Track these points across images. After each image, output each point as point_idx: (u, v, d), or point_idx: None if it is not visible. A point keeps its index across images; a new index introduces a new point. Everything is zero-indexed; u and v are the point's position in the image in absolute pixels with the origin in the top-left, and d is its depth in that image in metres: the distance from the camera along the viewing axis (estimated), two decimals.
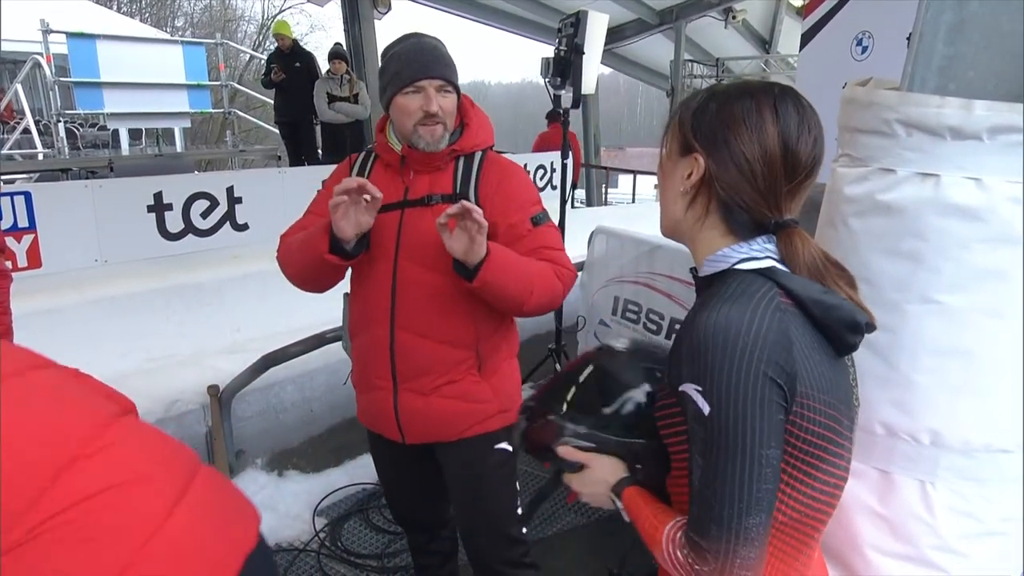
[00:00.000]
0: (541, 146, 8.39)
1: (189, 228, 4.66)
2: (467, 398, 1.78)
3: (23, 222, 4.07)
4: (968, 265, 1.07)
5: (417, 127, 1.66)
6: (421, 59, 1.66)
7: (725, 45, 12.35)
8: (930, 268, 1.08)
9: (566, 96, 3.42)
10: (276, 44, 7.54)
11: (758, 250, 0.92)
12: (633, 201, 11.97)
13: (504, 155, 1.89)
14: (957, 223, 1.07)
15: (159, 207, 4.47)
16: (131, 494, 0.97)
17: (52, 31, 8.38)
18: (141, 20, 18.94)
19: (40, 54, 8.27)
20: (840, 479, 0.93)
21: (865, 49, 3.94)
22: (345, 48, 7.65)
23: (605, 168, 12.11)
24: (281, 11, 22.80)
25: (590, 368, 1.17)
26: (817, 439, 0.88)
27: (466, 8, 9.41)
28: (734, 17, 10.40)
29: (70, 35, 8.45)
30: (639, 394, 1.10)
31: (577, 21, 3.34)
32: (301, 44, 7.45)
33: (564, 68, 3.38)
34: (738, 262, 0.92)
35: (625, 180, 14.51)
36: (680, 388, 0.88)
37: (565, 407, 1.14)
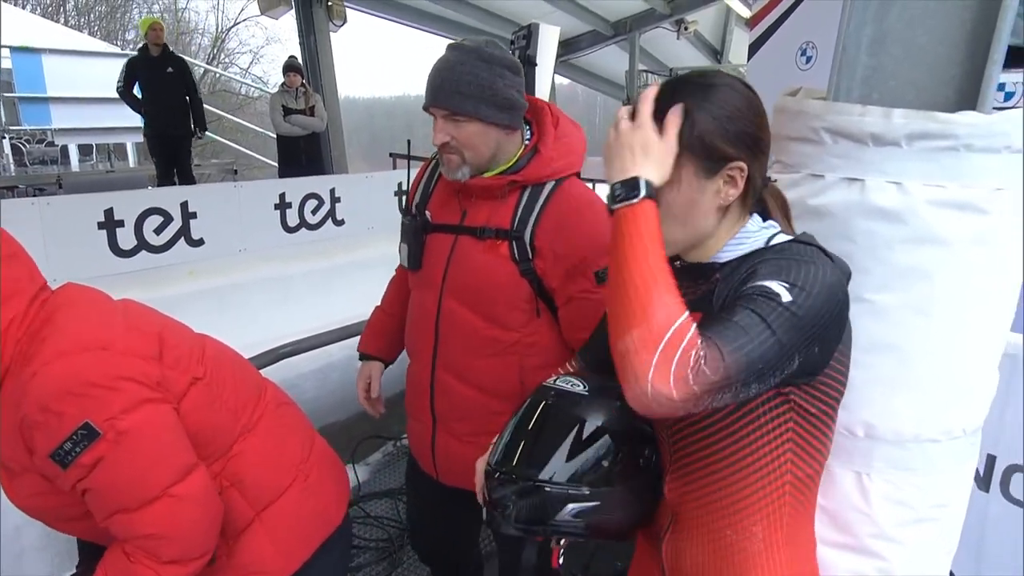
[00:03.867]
0: None
1: (142, 244, 4.58)
2: None
3: None
4: (894, 265, 1.13)
5: (440, 154, 1.55)
6: (432, 83, 1.50)
7: (678, 55, 12.59)
8: (859, 269, 1.13)
9: None
10: (143, 46, 6.67)
11: (765, 225, 1.05)
12: None
13: (591, 185, 1.66)
14: (882, 225, 1.12)
15: (110, 224, 4.38)
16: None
17: None
18: (90, 34, 18.55)
19: None
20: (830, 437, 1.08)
21: (809, 59, 4.07)
22: (300, 60, 7.60)
23: None
24: (235, 24, 22.57)
25: (544, 412, 1.11)
26: (841, 387, 1.02)
27: (421, 20, 9.43)
28: (686, 28, 10.62)
29: (14, 49, 8.27)
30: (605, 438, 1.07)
31: (529, 34, 3.41)
32: (172, 48, 6.81)
33: None
34: (772, 237, 1.02)
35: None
36: (752, 285, 0.91)
37: (550, 469, 1.05)
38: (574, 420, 1.08)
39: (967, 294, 1.12)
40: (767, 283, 0.89)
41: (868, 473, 1.20)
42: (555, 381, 1.16)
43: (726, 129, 0.96)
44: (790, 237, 1.02)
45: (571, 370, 1.30)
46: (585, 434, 1.06)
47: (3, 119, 8.01)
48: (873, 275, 1.14)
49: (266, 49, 23.89)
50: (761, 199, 1.08)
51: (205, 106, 8.31)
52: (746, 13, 9.54)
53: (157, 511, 1.13)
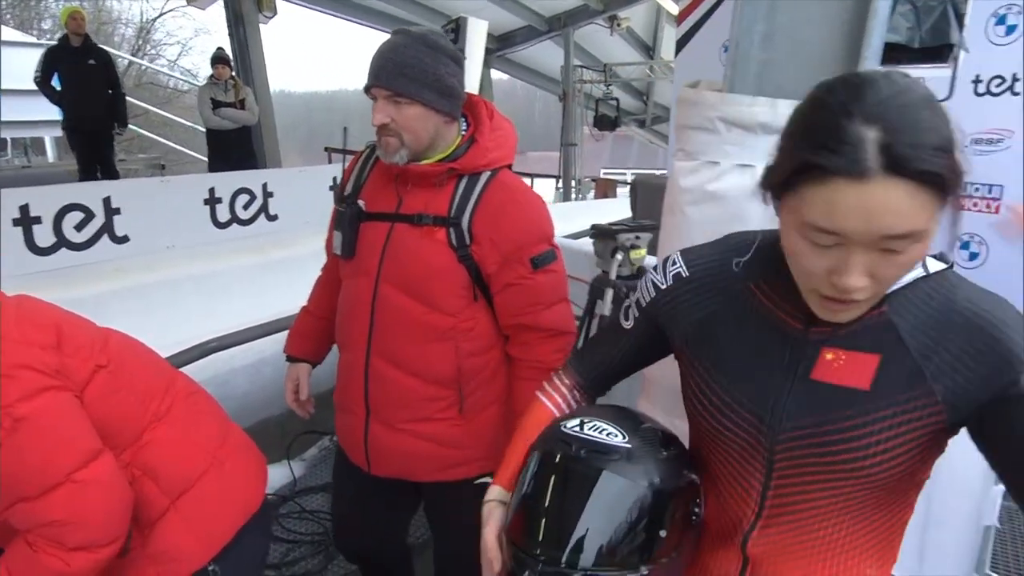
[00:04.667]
0: None
1: (62, 242, 4.43)
2: (441, 440, 1.64)
3: None
4: None
5: (378, 137, 1.55)
6: (376, 64, 1.50)
7: (612, 51, 12.82)
8: None
9: None
10: (62, 37, 6.38)
11: None
12: None
13: (524, 177, 1.70)
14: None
15: (26, 220, 4.22)
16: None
17: None
18: (2, 23, 17.68)
19: None
20: None
21: None
22: (229, 52, 7.44)
23: None
24: (162, 14, 21.82)
25: (579, 478, 0.90)
26: None
27: (353, 12, 9.34)
28: (619, 24, 10.81)
29: None
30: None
31: (457, 27, 3.44)
32: (93, 39, 6.51)
33: None
34: (925, 264, 0.85)
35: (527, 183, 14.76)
36: (1015, 390, 0.78)
37: (597, 551, 0.87)
38: (628, 491, 0.89)
39: None
40: None
41: None
42: (577, 427, 0.95)
43: (953, 152, 0.72)
44: (941, 263, 0.87)
45: (564, 387, 1.13)
46: (640, 504, 0.89)
47: None
48: None
49: (195, 41, 23.16)
50: None
51: (131, 100, 8.06)
52: (675, 10, 9.80)
53: (60, 497, 1.12)
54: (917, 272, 0.85)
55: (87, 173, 6.59)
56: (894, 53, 1.67)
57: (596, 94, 13.61)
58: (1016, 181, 3.66)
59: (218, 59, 6.74)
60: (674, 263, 1.01)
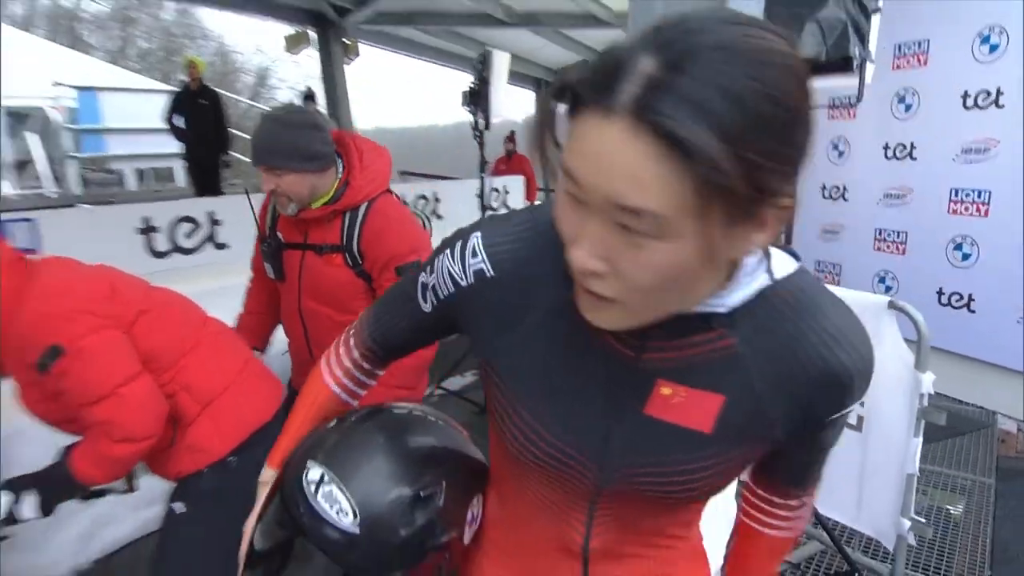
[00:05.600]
0: (496, 171, 8.74)
1: (175, 248, 4.91)
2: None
3: (28, 245, 4.26)
4: None
5: (275, 197, 1.78)
6: (253, 147, 1.74)
7: None
8: None
9: (479, 121, 3.77)
10: (184, 83, 7.00)
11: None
12: None
13: (399, 201, 1.90)
14: None
15: (147, 230, 4.72)
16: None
17: (62, 85, 8.63)
18: (150, 76, 19.18)
19: (50, 106, 8.47)
20: None
21: None
22: (323, 89, 7.92)
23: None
24: (275, 62, 23.17)
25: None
26: None
27: (426, 53, 9.74)
28: None
29: (78, 88, 8.70)
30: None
31: (484, 59, 3.66)
32: (213, 86, 7.16)
33: (477, 98, 3.71)
34: (769, 269, 0.64)
35: None
36: (833, 417, 0.69)
37: None
38: None
39: None
40: (845, 412, 0.70)
41: None
42: (315, 484, 0.76)
43: (780, 146, 0.49)
44: (789, 261, 0.67)
45: (350, 360, 0.93)
46: None
47: (68, 148, 8.40)
48: None
49: (301, 84, 24.45)
50: None
51: (247, 135, 8.63)
52: None
53: (107, 405, 1.40)
54: (762, 280, 0.63)
55: (201, 193, 7.14)
56: None
57: None
58: (1003, 186, 3.59)
59: (306, 96, 7.26)
60: (475, 254, 0.71)
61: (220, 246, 5.14)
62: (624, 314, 0.58)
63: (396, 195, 1.92)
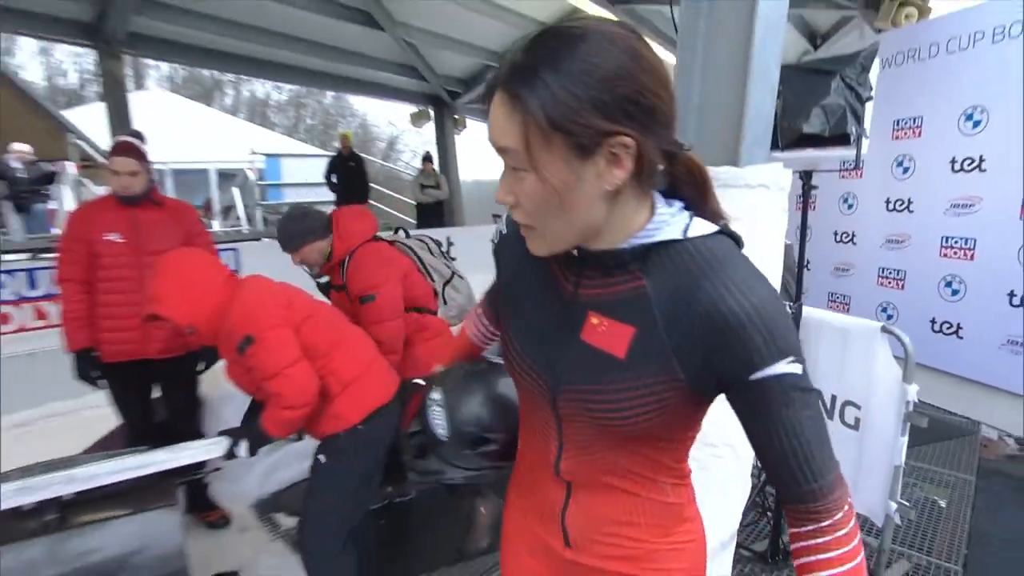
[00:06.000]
0: None
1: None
2: None
3: (233, 267, 4.56)
4: None
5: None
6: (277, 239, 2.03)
7: None
8: None
9: None
10: (338, 149, 7.23)
11: (678, 211, 0.64)
12: None
13: (377, 244, 2.09)
14: None
15: None
16: None
17: (256, 153, 9.36)
18: (314, 144, 20.50)
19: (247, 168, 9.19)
20: None
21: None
22: (437, 152, 8.18)
23: None
24: (402, 132, 24.23)
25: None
26: None
27: None
28: None
29: (266, 155, 9.42)
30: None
31: None
32: (357, 150, 7.38)
33: None
34: (688, 225, 0.62)
35: None
36: (754, 376, 0.58)
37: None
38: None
39: None
40: (780, 370, 0.58)
41: None
42: (434, 399, 0.83)
43: (597, 95, 0.54)
44: (710, 227, 0.63)
45: (475, 313, 0.97)
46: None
47: (257, 198, 9.12)
48: None
49: (421, 149, 25.36)
50: (672, 174, 0.64)
51: (381, 187, 9.08)
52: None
53: (276, 381, 1.50)
54: (672, 233, 0.61)
55: None
56: (810, 140, 1.79)
57: None
58: (986, 235, 3.42)
59: (425, 158, 7.57)
60: (503, 217, 0.76)
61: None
62: (542, 240, 0.62)
63: (386, 240, 2.17)
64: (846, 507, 0.63)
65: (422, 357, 2.14)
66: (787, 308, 0.57)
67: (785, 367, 0.58)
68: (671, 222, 0.62)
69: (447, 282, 2.50)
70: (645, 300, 0.62)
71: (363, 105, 25.35)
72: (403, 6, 5.49)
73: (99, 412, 2.60)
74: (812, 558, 0.62)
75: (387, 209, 11.25)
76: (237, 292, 1.57)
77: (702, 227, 0.62)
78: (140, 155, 2.20)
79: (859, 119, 1.75)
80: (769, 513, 2.28)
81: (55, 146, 7.86)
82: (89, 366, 2.18)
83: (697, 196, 0.65)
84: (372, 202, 9.09)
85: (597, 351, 0.65)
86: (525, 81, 0.55)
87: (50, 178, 5.91)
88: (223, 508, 2.52)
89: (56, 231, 5.75)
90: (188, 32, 5.04)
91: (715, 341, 0.59)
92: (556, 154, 0.56)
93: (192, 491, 2.44)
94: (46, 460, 1.60)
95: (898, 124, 3.88)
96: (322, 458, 1.66)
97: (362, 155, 7.47)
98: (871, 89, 1.75)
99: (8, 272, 3.78)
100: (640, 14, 4.64)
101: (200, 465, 1.79)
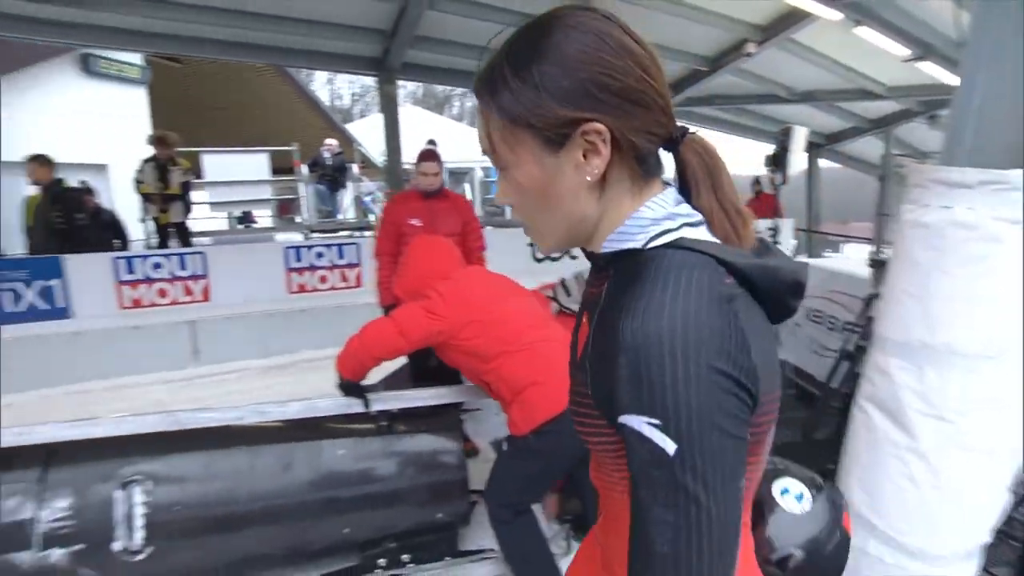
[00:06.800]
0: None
1: (546, 256, 5.48)
2: None
3: None
4: (966, 253, 1.34)
5: None
6: None
7: (928, 141, 10.37)
8: (942, 252, 1.37)
9: (777, 177, 3.80)
10: None
11: (666, 214, 0.54)
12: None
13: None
14: (960, 231, 1.34)
15: (531, 244, 5.36)
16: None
17: (486, 153, 10.45)
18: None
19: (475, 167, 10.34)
20: (761, 462, 0.57)
21: None
22: None
23: (822, 233, 10.72)
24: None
25: None
26: (761, 433, 0.53)
27: (715, 124, 9.42)
28: (939, 120, 8.77)
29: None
30: None
31: (787, 132, 3.66)
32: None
33: (777, 160, 3.75)
34: (659, 234, 0.53)
35: (849, 248, 12.69)
36: (620, 420, 0.48)
37: None
38: None
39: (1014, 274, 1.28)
40: (636, 425, 0.46)
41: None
42: None
43: (559, 85, 0.50)
44: (680, 239, 0.53)
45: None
46: None
47: (486, 192, 10.18)
48: (950, 256, 1.36)
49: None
50: (681, 161, 0.57)
51: None
52: None
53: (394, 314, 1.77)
54: (634, 243, 0.54)
55: None
56: None
57: None
58: None
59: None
60: None
61: (573, 257, 5.51)
62: (540, 237, 0.59)
63: None
64: None
65: None
66: (703, 361, 0.45)
67: (644, 427, 0.46)
68: (648, 226, 0.54)
69: None
70: (598, 305, 0.55)
71: None
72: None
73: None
74: None
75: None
76: (454, 270, 1.83)
77: (671, 237, 0.53)
78: (439, 159, 2.81)
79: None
80: (1012, 542, 2.00)
81: (344, 152, 10.00)
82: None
83: (706, 185, 0.56)
84: None
85: (580, 350, 0.59)
86: (487, 82, 0.53)
87: (345, 169, 7.66)
88: (474, 441, 2.85)
89: (341, 216, 7.59)
90: (443, 58, 5.91)
91: (604, 360, 0.50)
92: (526, 150, 0.53)
93: None
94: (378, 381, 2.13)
95: None
96: (504, 445, 1.76)
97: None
98: None
99: (327, 246, 5.11)
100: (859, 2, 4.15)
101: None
